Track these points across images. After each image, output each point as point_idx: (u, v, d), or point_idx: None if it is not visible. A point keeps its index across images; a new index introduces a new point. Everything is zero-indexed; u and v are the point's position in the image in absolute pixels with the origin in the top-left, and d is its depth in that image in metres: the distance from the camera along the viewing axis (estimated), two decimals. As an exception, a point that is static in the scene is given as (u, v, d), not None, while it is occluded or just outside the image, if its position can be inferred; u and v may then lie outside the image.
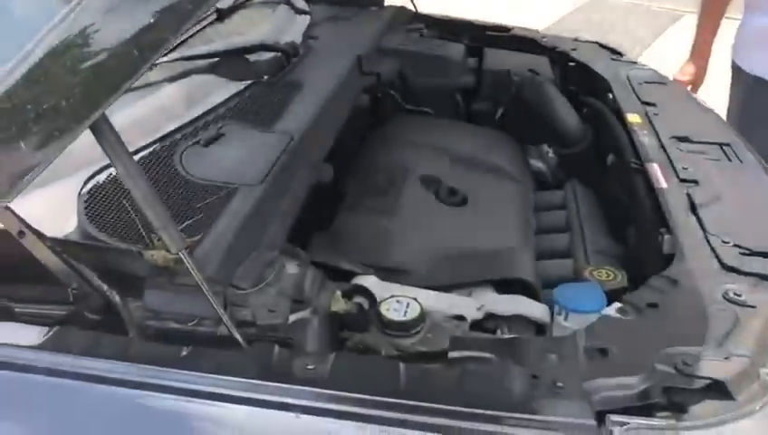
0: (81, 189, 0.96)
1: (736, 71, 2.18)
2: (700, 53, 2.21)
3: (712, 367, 0.79)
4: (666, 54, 4.82)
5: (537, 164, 1.76)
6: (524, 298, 1.03)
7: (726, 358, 0.80)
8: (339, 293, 0.97)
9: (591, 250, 1.33)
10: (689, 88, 2.22)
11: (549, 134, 1.69)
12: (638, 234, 1.30)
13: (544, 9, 5.92)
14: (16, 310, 0.83)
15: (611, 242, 1.39)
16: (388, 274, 1.13)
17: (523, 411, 0.73)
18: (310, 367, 0.74)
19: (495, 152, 1.63)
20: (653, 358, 0.79)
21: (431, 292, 1.06)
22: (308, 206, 1.19)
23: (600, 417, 0.74)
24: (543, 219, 1.49)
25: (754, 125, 2.21)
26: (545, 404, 0.73)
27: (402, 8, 2.15)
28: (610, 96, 1.68)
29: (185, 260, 0.75)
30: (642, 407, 0.75)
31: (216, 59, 1.39)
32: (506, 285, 1.12)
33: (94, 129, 0.69)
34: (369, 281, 1.04)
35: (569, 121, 1.65)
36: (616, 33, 5.45)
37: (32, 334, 0.76)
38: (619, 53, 1.97)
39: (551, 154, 1.77)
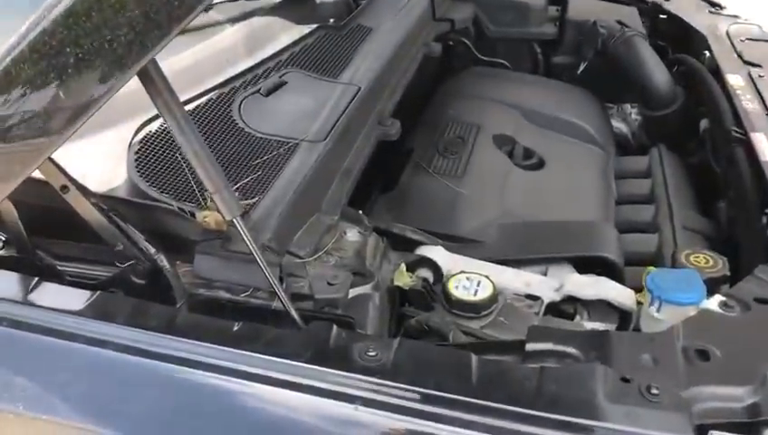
0: (133, 138, 0.89)
1: None
2: None
3: (835, 381, 0.67)
4: None
5: (619, 126, 1.63)
6: (609, 281, 0.92)
7: None
8: (403, 265, 0.89)
9: (679, 226, 1.20)
10: None
11: (636, 94, 1.55)
12: (735, 212, 1.17)
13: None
14: (60, 268, 0.78)
15: (702, 218, 1.26)
16: (457, 244, 1.04)
17: (611, 421, 0.64)
18: (371, 353, 0.66)
19: (576, 111, 1.50)
20: (764, 366, 0.69)
21: (506, 268, 0.97)
22: (373, 164, 1.11)
23: (701, 432, 0.64)
24: (625, 188, 1.36)
25: None
26: (637, 414, 0.64)
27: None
28: (707, 54, 1.52)
29: (238, 227, 0.68)
30: (751, 424, 0.65)
31: (280, 0, 1.29)
32: (586, 264, 1.01)
33: (142, 76, 0.61)
34: (437, 253, 0.96)
35: (660, 81, 1.49)
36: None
37: (75, 298, 0.71)
38: (719, 5, 1.78)
39: (634, 115, 1.63)
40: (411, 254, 0.96)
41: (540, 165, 1.30)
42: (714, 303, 0.79)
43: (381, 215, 1.11)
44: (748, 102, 1.29)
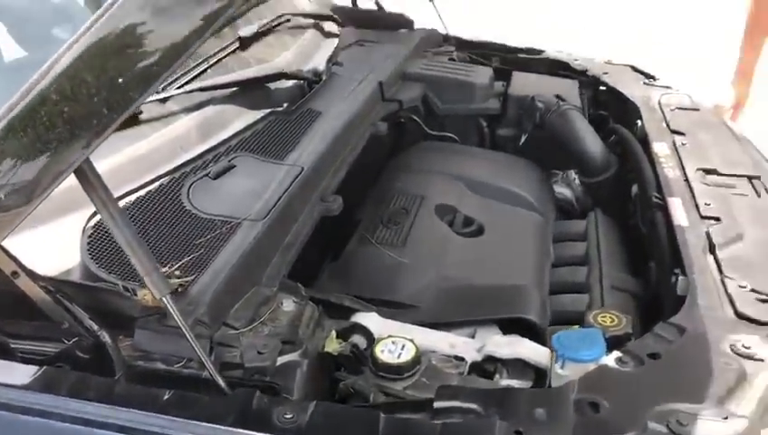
0: (86, 224, 0.98)
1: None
2: (743, 76, 2.14)
3: (708, 428, 0.75)
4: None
5: (563, 191, 1.73)
6: (526, 341, 1.00)
7: (725, 418, 0.76)
8: (334, 332, 0.97)
9: (608, 286, 1.29)
10: (732, 111, 2.15)
11: (573, 162, 1.66)
12: (656, 272, 1.26)
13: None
14: (12, 346, 0.85)
15: (630, 278, 1.34)
16: (395, 309, 1.12)
17: (502, 471, 0.71)
18: (288, 416, 0.74)
19: (517, 180, 1.60)
20: (647, 415, 0.76)
21: (433, 331, 1.05)
22: (318, 238, 1.19)
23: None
24: (563, 250, 1.45)
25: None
26: (526, 463, 0.71)
27: (433, 31, 2.15)
28: (639, 123, 1.64)
29: (167, 305, 0.76)
30: (633, 467, 0.72)
31: (234, 89, 1.40)
32: (511, 325, 1.09)
33: (78, 174, 0.70)
34: (370, 319, 1.04)
35: (593, 150, 1.61)
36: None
37: (23, 373, 0.78)
38: (653, 77, 1.92)
39: (577, 181, 1.73)
40: (345, 321, 1.03)
41: (479, 232, 1.40)
42: (611, 359, 0.87)
43: (327, 284, 1.20)
44: (670, 169, 1.40)
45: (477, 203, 1.49)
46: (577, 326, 1.02)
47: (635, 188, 1.50)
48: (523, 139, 1.73)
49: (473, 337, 1.08)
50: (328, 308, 1.04)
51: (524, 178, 1.63)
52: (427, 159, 1.63)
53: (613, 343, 0.93)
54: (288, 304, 0.98)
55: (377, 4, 2.22)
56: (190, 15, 0.70)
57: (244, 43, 1.59)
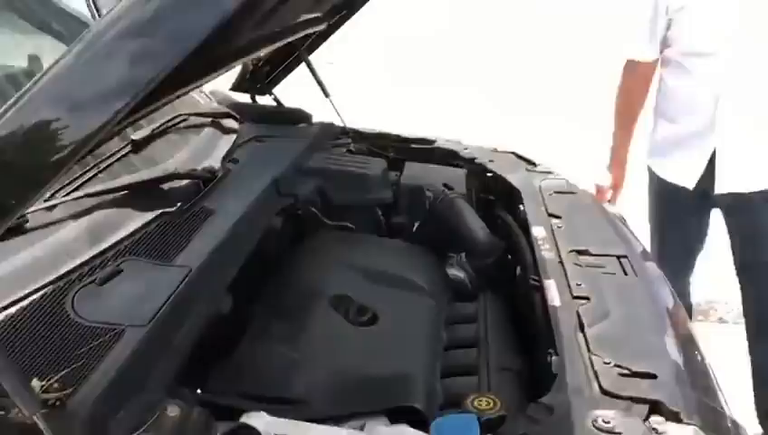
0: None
1: (650, 174, 2.29)
2: (618, 160, 2.32)
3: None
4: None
5: (457, 273, 1.81)
6: (409, 430, 1.04)
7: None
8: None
9: (495, 367, 1.35)
10: (610, 193, 2.33)
11: (462, 247, 1.74)
12: (536, 352, 1.33)
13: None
14: None
15: (517, 358, 1.41)
16: (286, 406, 1.14)
17: None
18: None
19: (410, 266, 1.67)
20: None
21: (323, 427, 1.07)
22: (208, 338, 1.21)
23: None
24: (455, 333, 1.51)
25: (667, 226, 2.32)
26: None
27: (330, 124, 2.25)
28: (521, 207, 1.75)
29: (39, 423, 0.76)
30: None
31: (125, 192, 1.42)
32: (400, 413, 1.13)
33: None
34: (258, 419, 1.05)
35: (478, 235, 1.71)
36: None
37: None
38: (534, 163, 2.06)
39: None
40: (234, 423, 1.04)
41: (373, 321, 1.44)
42: (484, 442, 0.92)
43: (217, 384, 1.20)
44: (547, 251, 1.51)
45: (372, 291, 1.54)
46: (456, 411, 1.06)
47: (518, 271, 1.60)
48: (416, 226, 1.82)
49: (362, 429, 1.10)
50: (216, 410, 1.05)
51: (418, 264, 1.70)
52: (323, 250, 1.68)
53: (488, 427, 0.98)
54: (173, 410, 0.98)
55: (275, 99, 2.31)
56: (104, 110, 0.74)
57: (137, 145, 1.62)
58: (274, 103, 2.30)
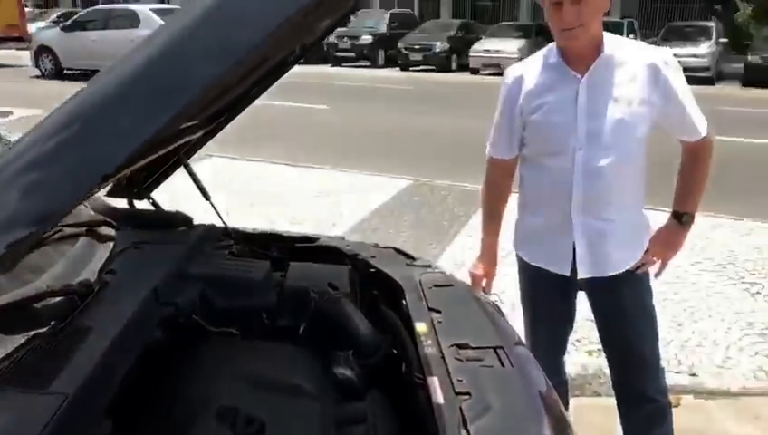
0: None
1: (519, 260, 2.44)
2: (489, 250, 2.45)
3: None
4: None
5: (345, 372, 1.82)
6: None
7: None
8: None
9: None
10: (484, 280, 2.45)
11: (349, 345, 1.77)
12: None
13: (371, 196, 6.36)
14: None
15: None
16: None
17: None
18: None
19: (297, 371, 1.67)
20: None
21: None
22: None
23: None
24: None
25: (538, 309, 2.47)
26: None
27: (211, 226, 2.25)
28: (404, 303, 1.82)
29: None
30: None
31: (-7, 316, 1.35)
32: None
33: None
34: None
35: (363, 333, 1.74)
36: (435, 213, 5.93)
37: None
38: (413, 258, 2.15)
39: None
40: None
41: (261, 431, 1.42)
42: None
43: None
44: (429, 347, 1.56)
45: (259, 400, 1.52)
46: None
47: (404, 369, 1.64)
48: (302, 328, 1.83)
49: None
50: None
51: (305, 368, 1.70)
52: (208, 360, 1.65)
53: None
54: None
55: (153, 204, 2.29)
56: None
57: (4, 262, 1.55)
58: (152, 208, 2.28)
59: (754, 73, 18.28)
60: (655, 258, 2.30)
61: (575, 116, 2.10)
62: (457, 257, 4.85)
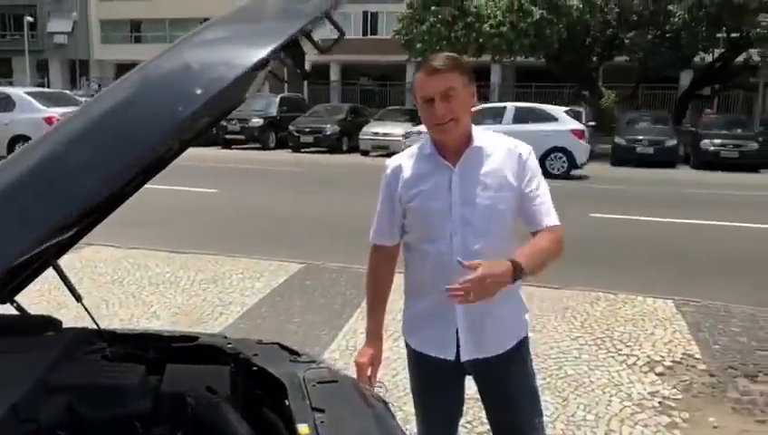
0: None
1: (407, 347, 2.46)
2: (372, 336, 2.45)
3: None
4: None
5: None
6: None
7: None
8: None
9: None
10: (369, 369, 2.42)
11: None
12: None
13: (261, 282, 6.26)
14: None
15: None
16: None
17: None
18: None
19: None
20: None
21: None
22: None
23: None
24: None
25: (427, 395, 2.48)
26: None
27: (82, 329, 2.12)
28: (287, 402, 1.77)
29: None
30: None
31: None
32: None
33: None
34: None
35: (242, 439, 1.68)
36: (328, 296, 5.90)
37: None
38: (297, 353, 2.12)
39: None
40: None
41: None
42: None
43: None
44: (311, 451, 1.52)
45: None
46: None
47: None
48: (179, 436, 1.74)
49: None
50: None
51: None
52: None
53: None
54: None
55: (18, 307, 2.14)
56: None
57: None
58: (16, 312, 2.13)
59: (621, 153, 19.91)
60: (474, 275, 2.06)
61: (450, 203, 2.21)
62: (350, 343, 4.82)
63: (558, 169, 16.67)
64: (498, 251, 2.22)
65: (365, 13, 39.87)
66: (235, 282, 6.26)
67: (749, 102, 28.80)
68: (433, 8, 23.48)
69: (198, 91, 1.29)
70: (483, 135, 2.27)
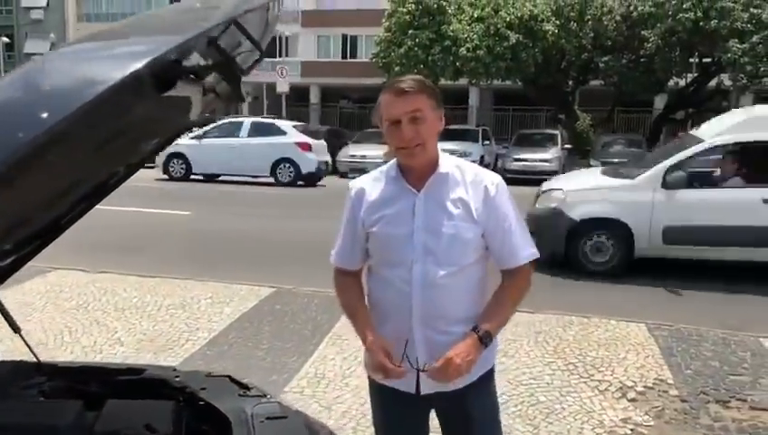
0: None
1: (369, 378, 2.38)
2: (369, 330, 2.20)
3: None
4: (347, 335, 5.20)
5: None
6: None
7: None
8: None
9: None
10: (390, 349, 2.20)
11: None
12: None
13: (230, 307, 6.13)
14: None
15: None
16: None
17: None
18: None
19: None
20: None
21: None
22: None
23: None
24: None
25: (390, 429, 2.40)
26: None
27: (19, 362, 2.02)
28: None
29: None
30: None
31: None
32: None
33: None
34: None
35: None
36: (298, 322, 5.79)
37: None
38: (247, 387, 2.02)
39: None
40: None
41: None
42: None
43: None
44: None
45: None
46: None
47: None
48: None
49: None
50: None
51: None
52: None
53: None
54: None
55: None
56: None
57: None
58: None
59: (596, 176, 20.04)
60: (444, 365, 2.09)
61: (412, 229, 2.14)
62: (318, 370, 4.71)
63: (286, 178, 18.66)
64: (459, 283, 2.16)
65: (344, 36, 40.11)
66: (203, 307, 6.13)
67: (722, 126, 29.26)
68: (411, 32, 23.69)
69: (44, 115, 1.18)
70: (449, 161, 2.19)
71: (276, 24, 1.62)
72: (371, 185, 2.24)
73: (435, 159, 2.15)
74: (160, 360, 4.81)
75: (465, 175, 2.17)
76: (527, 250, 2.20)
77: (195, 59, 1.41)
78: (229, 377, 2.08)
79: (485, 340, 2.12)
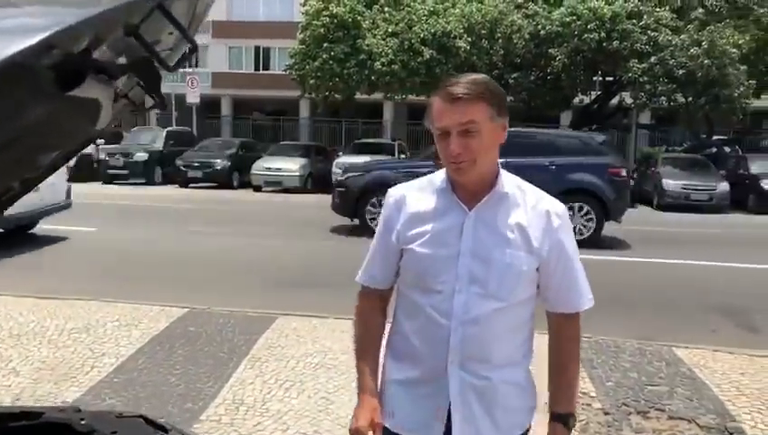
0: None
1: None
2: (369, 392, 1.95)
3: None
4: (267, 358, 4.96)
5: None
6: None
7: None
8: None
9: None
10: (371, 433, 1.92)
11: None
12: None
13: (139, 330, 5.77)
14: None
15: None
16: None
17: None
18: None
19: None
20: None
21: None
22: None
23: None
24: None
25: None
26: None
27: None
28: None
29: None
30: None
31: None
32: None
33: None
34: None
35: None
36: (213, 344, 5.50)
37: None
38: (165, 429, 1.81)
39: None
40: None
41: None
42: None
43: None
44: None
45: None
46: None
47: None
48: None
49: None
50: None
51: None
52: None
53: None
54: None
55: None
56: None
57: None
58: None
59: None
60: None
61: (458, 251, 1.81)
62: (237, 395, 4.45)
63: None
64: (508, 321, 1.85)
65: (257, 48, 39.55)
66: (109, 330, 5.73)
67: (623, 142, 30.74)
68: (325, 45, 23.59)
69: None
70: (511, 180, 1.87)
71: (207, 13, 1.41)
72: (415, 195, 1.91)
73: (491, 175, 1.84)
74: (62, 390, 4.43)
75: (526, 197, 1.86)
76: (589, 294, 1.92)
77: (108, 47, 1.19)
78: (144, 417, 1.86)
79: (572, 424, 1.88)
